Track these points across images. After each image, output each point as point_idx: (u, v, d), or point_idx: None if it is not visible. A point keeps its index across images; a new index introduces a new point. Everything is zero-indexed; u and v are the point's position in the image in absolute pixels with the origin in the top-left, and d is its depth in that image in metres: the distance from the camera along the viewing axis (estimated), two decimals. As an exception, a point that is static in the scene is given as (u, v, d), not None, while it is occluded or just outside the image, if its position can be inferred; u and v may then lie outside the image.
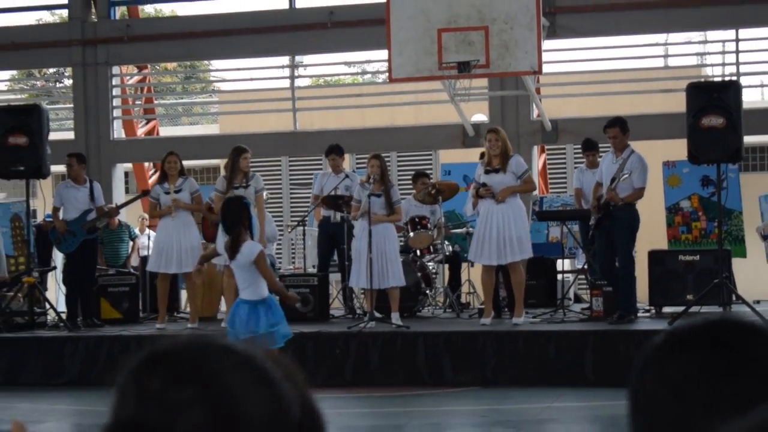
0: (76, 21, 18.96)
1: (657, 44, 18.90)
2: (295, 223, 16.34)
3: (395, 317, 12.57)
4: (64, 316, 13.76)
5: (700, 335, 1.36)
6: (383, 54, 15.81)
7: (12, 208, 17.00)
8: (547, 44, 15.60)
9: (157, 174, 14.35)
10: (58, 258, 15.43)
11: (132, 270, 15.60)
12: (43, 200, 14.46)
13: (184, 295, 15.08)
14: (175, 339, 1.33)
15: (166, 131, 23.64)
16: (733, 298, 12.64)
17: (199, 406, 1.25)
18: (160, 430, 1.25)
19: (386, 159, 14.31)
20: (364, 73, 24.19)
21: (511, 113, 17.06)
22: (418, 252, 14.09)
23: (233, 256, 8.72)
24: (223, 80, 23.97)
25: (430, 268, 14.13)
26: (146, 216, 17.49)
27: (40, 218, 16.31)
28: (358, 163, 18.65)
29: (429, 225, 13.87)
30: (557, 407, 10.42)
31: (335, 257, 14.48)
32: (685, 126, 12.33)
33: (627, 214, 11.97)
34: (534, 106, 17.12)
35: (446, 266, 14.61)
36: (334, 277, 14.72)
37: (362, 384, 11.70)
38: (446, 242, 14.39)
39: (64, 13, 20.98)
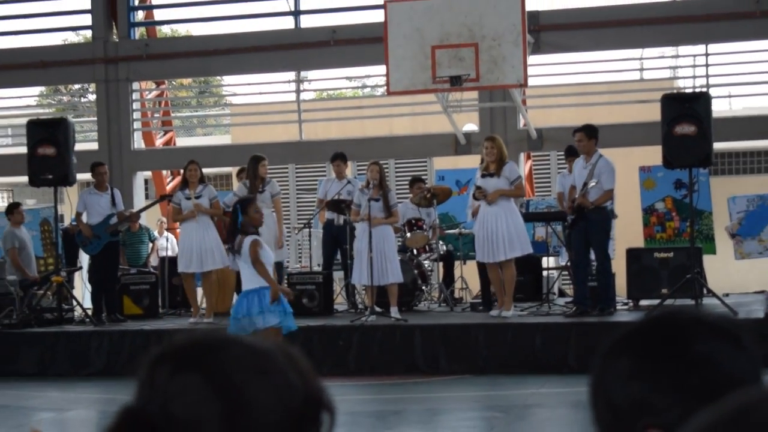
0: (99, 41, 18.97)
1: (633, 59, 18.98)
2: (302, 225, 16.33)
3: (394, 311, 12.59)
4: (90, 312, 13.79)
5: (642, 332, 1.34)
6: (382, 69, 15.84)
7: (41, 213, 17.04)
8: (532, 59, 15.64)
9: (177, 180, 14.33)
10: (83, 259, 15.44)
11: (152, 269, 15.62)
12: (70, 206, 14.46)
13: (200, 291, 15.08)
14: (188, 334, 1.34)
15: (182, 142, 23.62)
16: (705, 291, 12.68)
17: (203, 395, 1.23)
18: (162, 417, 1.24)
19: (385, 165, 14.32)
20: (364, 86, 24.23)
21: (499, 123, 17.06)
22: (415, 251, 14.09)
23: (238, 253, 9.13)
24: (235, 94, 23.90)
25: (426, 265, 14.13)
26: (164, 219, 17.52)
27: (67, 222, 16.32)
28: (359, 170, 18.66)
29: (424, 226, 13.87)
30: (543, 393, 10.46)
31: (339, 257, 14.49)
32: (659, 134, 12.34)
33: (600, 217, 11.98)
34: (520, 116, 17.13)
35: (441, 264, 14.61)
36: (338, 275, 14.72)
37: (364, 373, 11.73)
38: (440, 242, 14.40)
39: (88, 33, 20.97)
